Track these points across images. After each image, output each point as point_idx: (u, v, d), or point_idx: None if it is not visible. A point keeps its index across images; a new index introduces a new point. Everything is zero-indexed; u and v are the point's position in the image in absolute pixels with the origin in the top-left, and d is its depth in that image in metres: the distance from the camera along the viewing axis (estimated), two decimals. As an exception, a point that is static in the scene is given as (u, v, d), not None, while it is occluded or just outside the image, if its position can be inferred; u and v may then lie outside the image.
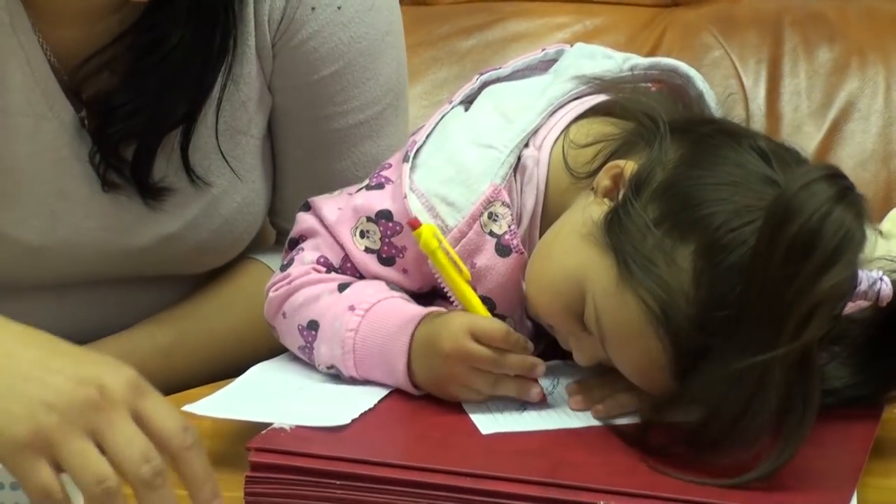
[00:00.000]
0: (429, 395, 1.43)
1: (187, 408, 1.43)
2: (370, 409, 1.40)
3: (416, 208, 1.45)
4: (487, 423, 1.38)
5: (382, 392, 1.44)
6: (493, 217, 1.45)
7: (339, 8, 1.60)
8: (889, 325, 1.41)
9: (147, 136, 1.59)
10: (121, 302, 1.67)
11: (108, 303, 1.66)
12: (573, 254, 1.40)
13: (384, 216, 1.48)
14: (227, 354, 1.64)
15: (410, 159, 1.48)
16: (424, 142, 1.50)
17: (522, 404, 1.42)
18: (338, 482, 1.30)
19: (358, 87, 1.67)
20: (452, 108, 1.52)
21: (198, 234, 1.60)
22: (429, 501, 1.28)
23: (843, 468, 1.32)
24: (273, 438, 1.33)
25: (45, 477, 1.13)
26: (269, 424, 1.36)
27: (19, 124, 1.57)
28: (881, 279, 1.36)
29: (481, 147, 1.47)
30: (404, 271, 1.49)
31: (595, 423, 1.39)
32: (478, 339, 1.41)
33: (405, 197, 1.46)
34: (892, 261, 1.41)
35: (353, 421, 1.37)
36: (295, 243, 1.53)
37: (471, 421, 1.39)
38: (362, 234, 1.49)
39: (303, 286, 1.50)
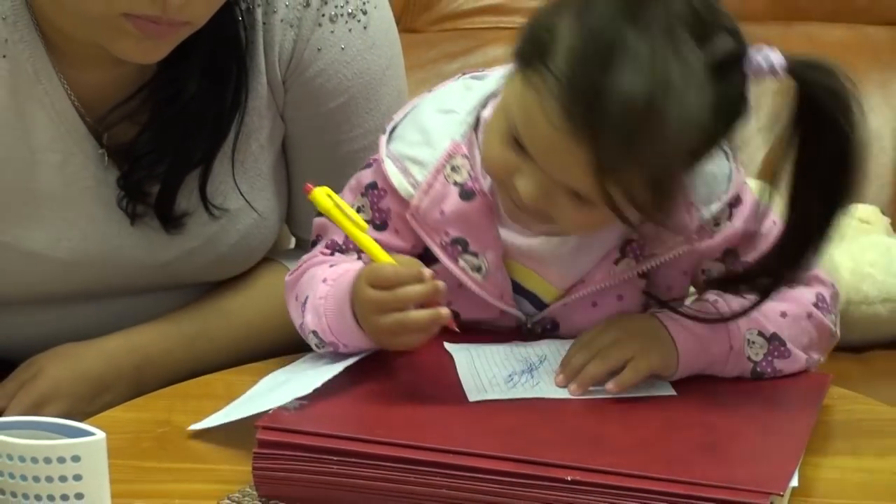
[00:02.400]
0: (422, 372, 1.42)
1: (194, 426, 1.42)
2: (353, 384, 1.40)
3: (392, 171, 1.46)
4: (475, 391, 1.38)
5: (344, 364, 1.42)
6: (455, 169, 1.45)
7: (342, 49, 1.59)
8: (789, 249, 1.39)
9: (168, 178, 1.58)
10: (146, 308, 1.66)
11: (133, 309, 1.65)
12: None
13: (371, 187, 1.49)
14: (248, 344, 1.63)
15: (387, 133, 1.49)
16: (401, 120, 1.50)
17: (510, 375, 1.41)
18: (334, 458, 1.29)
19: (362, 116, 1.67)
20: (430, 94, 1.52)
21: (216, 248, 1.59)
22: (416, 476, 1.28)
23: (787, 447, 1.32)
24: (278, 418, 1.33)
25: None
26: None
27: (47, 159, 1.56)
28: (770, 51, 1.36)
29: (444, 113, 1.47)
30: (396, 232, 1.48)
31: (570, 396, 1.39)
32: (374, 285, 1.39)
33: (382, 162, 1.47)
34: None
35: (353, 399, 1.37)
36: (314, 244, 1.53)
37: (462, 389, 1.38)
38: (359, 210, 1.48)
39: (308, 268, 1.50)
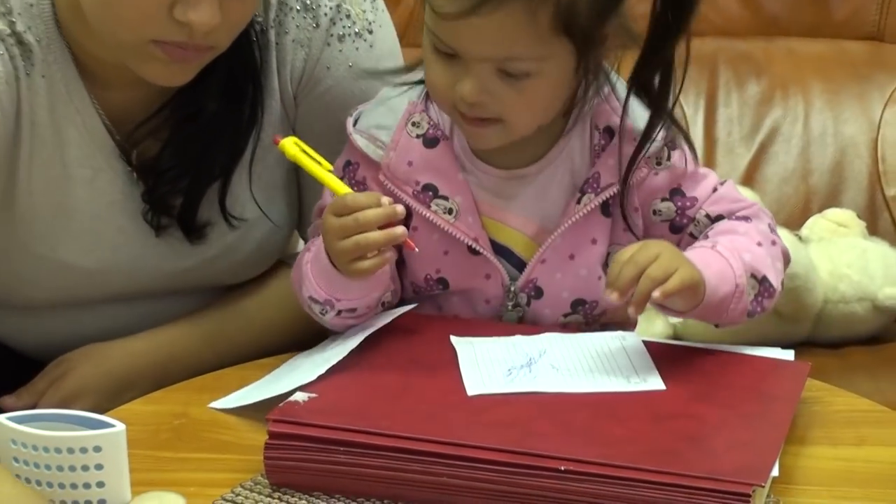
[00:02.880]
0: (425, 368, 1.42)
1: (213, 405, 1.45)
2: (356, 371, 1.41)
3: (361, 142, 1.50)
4: (475, 385, 1.38)
5: (349, 347, 1.45)
6: (415, 124, 1.49)
7: (350, 66, 1.60)
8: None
9: (190, 192, 1.59)
10: (168, 310, 1.66)
11: (156, 311, 1.65)
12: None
13: (346, 165, 1.52)
14: (264, 342, 1.63)
15: (354, 115, 1.52)
16: (364, 106, 1.53)
17: (509, 370, 1.41)
18: (341, 449, 1.30)
19: None
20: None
21: (234, 256, 1.60)
22: (418, 465, 1.29)
23: (768, 438, 1.32)
24: (288, 410, 1.33)
25: None
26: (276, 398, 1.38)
27: (79, 174, 1.56)
28: None
29: (402, 87, 1.51)
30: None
31: (565, 390, 1.38)
32: (337, 213, 1.42)
33: (350, 136, 1.50)
34: None
35: (359, 393, 1.38)
36: None
37: (461, 383, 1.39)
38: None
39: (307, 251, 1.52)
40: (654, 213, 1.51)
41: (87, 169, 1.57)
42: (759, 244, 1.48)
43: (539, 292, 1.51)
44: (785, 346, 1.57)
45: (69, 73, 1.53)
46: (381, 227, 1.40)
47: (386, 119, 1.50)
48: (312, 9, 1.57)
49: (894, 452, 1.38)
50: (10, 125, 1.50)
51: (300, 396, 1.36)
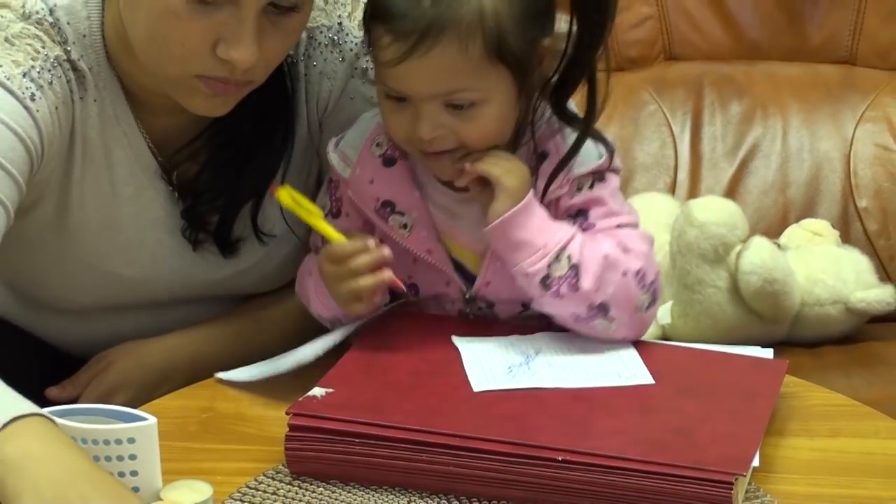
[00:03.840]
0: (433, 365, 1.42)
1: (220, 375, 1.48)
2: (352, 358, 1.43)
3: (334, 160, 1.50)
4: (479, 382, 1.38)
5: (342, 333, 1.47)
6: (378, 145, 1.48)
7: (371, 97, 1.58)
8: None
9: (226, 210, 1.59)
10: (200, 313, 1.66)
11: (190, 314, 1.65)
12: (375, 79, 1.45)
13: (329, 181, 1.53)
14: (285, 344, 1.62)
15: (334, 141, 1.52)
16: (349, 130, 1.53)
17: (509, 367, 1.41)
18: (356, 440, 1.30)
19: None
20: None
21: (263, 269, 1.60)
22: (427, 456, 1.29)
23: (749, 431, 1.32)
24: (307, 405, 1.34)
25: None
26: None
27: (125, 191, 1.56)
28: None
29: (374, 108, 1.50)
30: (347, 215, 1.50)
31: (562, 385, 1.38)
32: (330, 261, 1.43)
33: (328, 154, 1.51)
34: None
35: (372, 389, 1.38)
36: None
37: (467, 380, 1.38)
38: (324, 207, 1.51)
39: (308, 274, 1.52)
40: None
41: (133, 187, 1.57)
42: (606, 257, 1.42)
43: (490, 303, 1.50)
44: (765, 346, 1.57)
45: (118, 99, 1.53)
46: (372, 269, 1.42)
47: (356, 140, 1.50)
48: (339, 45, 1.57)
49: (866, 443, 1.38)
50: (66, 141, 1.50)
51: (318, 392, 1.35)
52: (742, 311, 1.91)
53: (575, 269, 1.42)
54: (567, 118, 1.45)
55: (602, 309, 1.43)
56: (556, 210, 1.46)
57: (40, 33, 1.47)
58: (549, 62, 1.42)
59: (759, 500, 1.28)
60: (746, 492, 1.28)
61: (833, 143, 2.24)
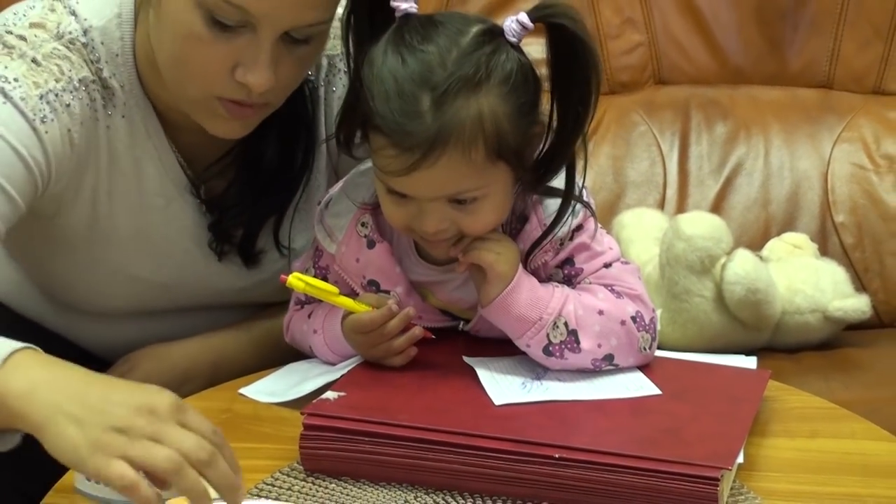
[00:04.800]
0: (437, 370, 1.42)
1: (243, 390, 1.47)
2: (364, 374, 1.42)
3: (321, 234, 1.48)
4: (499, 396, 1.36)
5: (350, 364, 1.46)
6: (363, 224, 1.45)
7: None
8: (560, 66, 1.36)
9: (250, 225, 1.59)
10: (222, 319, 1.66)
11: (212, 320, 1.65)
12: (374, 174, 1.39)
13: (316, 249, 1.50)
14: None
15: (323, 204, 1.49)
16: (335, 193, 1.50)
17: (523, 382, 1.39)
18: (366, 439, 1.30)
19: None
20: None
21: None
22: (432, 453, 1.29)
23: (734, 430, 1.32)
24: (321, 406, 1.34)
25: (121, 467, 1.13)
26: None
27: (154, 202, 1.56)
28: (516, 16, 1.35)
29: (361, 177, 1.47)
30: (335, 283, 1.46)
31: (577, 397, 1.37)
32: (360, 331, 1.42)
33: (314, 229, 1.49)
34: None
35: (381, 392, 1.38)
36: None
37: (486, 394, 1.37)
38: (306, 271, 1.50)
39: (293, 325, 1.53)
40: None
41: (162, 198, 1.57)
42: (601, 312, 1.40)
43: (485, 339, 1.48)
44: (748, 352, 1.58)
45: (149, 116, 1.53)
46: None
47: (344, 215, 1.46)
48: (347, 67, 1.58)
49: (843, 444, 1.38)
50: (82, 158, 1.50)
51: (331, 395, 1.36)
52: (727, 318, 1.91)
53: (574, 333, 1.39)
54: (547, 191, 1.42)
55: (607, 359, 1.41)
56: (543, 267, 1.43)
57: (71, 54, 1.47)
58: (536, 140, 1.38)
59: (743, 497, 1.28)
60: (731, 488, 1.28)
61: (812, 162, 2.24)
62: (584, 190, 1.42)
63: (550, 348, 1.40)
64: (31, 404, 1.17)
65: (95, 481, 1.22)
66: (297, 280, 1.41)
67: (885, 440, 1.38)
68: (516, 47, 1.35)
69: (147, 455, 1.14)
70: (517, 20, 1.34)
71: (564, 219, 1.40)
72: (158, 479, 1.15)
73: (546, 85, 1.38)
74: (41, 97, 1.43)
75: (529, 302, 1.39)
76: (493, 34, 1.34)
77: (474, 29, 1.33)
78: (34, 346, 1.23)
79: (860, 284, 2.13)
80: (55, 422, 1.15)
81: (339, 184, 1.50)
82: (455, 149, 1.31)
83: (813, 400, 1.48)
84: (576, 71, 1.35)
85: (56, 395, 1.17)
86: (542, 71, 1.37)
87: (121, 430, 1.14)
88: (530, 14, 1.34)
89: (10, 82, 1.41)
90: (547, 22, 1.34)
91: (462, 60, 1.31)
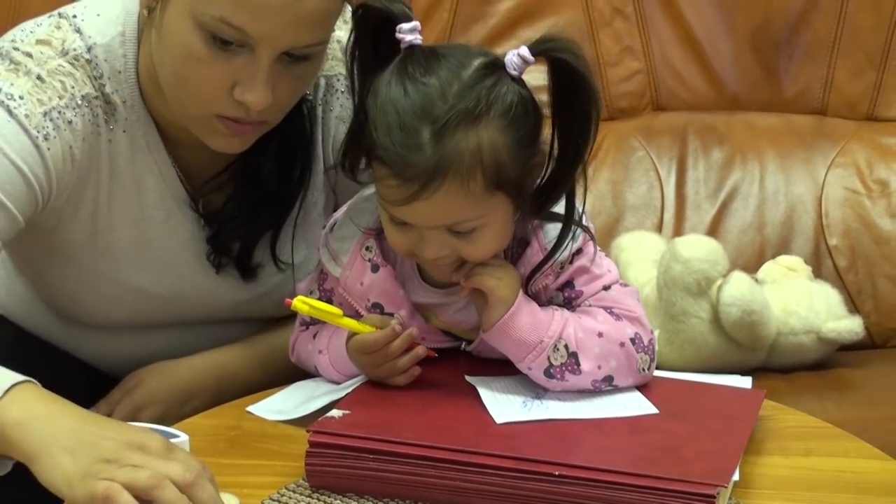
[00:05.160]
0: (444, 392, 1.41)
1: (251, 408, 1.47)
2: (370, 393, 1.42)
3: (326, 258, 1.47)
4: (501, 415, 1.36)
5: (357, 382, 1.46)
6: (368, 248, 1.45)
7: None
8: (561, 94, 1.36)
9: (247, 239, 1.60)
10: (224, 334, 1.66)
11: (214, 335, 1.65)
12: (377, 201, 1.39)
13: (321, 272, 1.50)
14: None
15: (328, 227, 1.49)
16: (340, 216, 1.49)
17: (524, 401, 1.39)
18: (370, 456, 1.30)
19: None
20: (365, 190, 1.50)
21: (280, 293, 1.59)
22: (435, 470, 1.29)
23: (730, 449, 1.32)
24: (326, 424, 1.34)
25: (105, 483, 1.15)
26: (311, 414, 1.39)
27: (154, 215, 1.57)
28: (517, 49, 1.34)
29: (366, 202, 1.47)
30: (340, 305, 1.46)
31: (576, 416, 1.37)
32: (364, 351, 1.42)
33: (319, 252, 1.48)
34: None
35: (385, 410, 1.38)
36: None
37: (487, 413, 1.37)
38: (311, 293, 1.50)
39: (299, 345, 1.53)
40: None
41: (162, 211, 1.57)
42: (601, 335, 1.39)
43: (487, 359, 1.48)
44: (743, 372, 1.57)
45: (150, 131, 1.54)
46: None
47: (349, 239, 1.46)
48: (352, 94, 1.59)
49: (837, 462, 1.38)
50: (86, 171, 1.51)
51: (336, 413, 1.36)
52: (723, 339, 1.91)
53: (574, 355, 1.39)
54: (548, 216, 1.42)
55: (606, 380, 1.41)
56: (544, 290, 1.43)
57: (75, 70, 1.48)
58: (537, 170, 1.38)
59: (738, 513, 1.29)
60: (727, 505, 1.28)
61: (806, 187, 2.24)
62: (583, 214, 1.42)
63: (551, 370, 1.40)
64: (27, 435, 1.19)
65: None
66: (302, 304, 1.41)
67: (878, 458, 1.38)
68: (518, 80, 1.35)
69: (131, 476, 1.16)
70: (518, 54, 1.34)
71: (565, 244, 1.40)
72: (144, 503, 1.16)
73: (548, 112, 1.38)
74: (45, 114, 1.44)
75: (530, 326, 1.39)
76: (495, 67, 1.34)
77: (476, 62, 1.33)
78: (34, 381, 1.25)
79: (853, 306, 2.13)
80: (50, 453, 1.18)
81: (344, 208, 1.50)
82: (454, 180, 1.31)
83: (807, 419, 1.48)
84: (576, 105, 1.35)
85: (51, 428, 1.19)
86: (545, 97, 1.37)
87: (110, 460, 1.17)
88: (532, 48, 1.34)
89: (14, 100, 1.42)
90: (548, 56, 1.34)
91: (463, 94, 1.31)
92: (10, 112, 1.42)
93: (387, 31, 1.36)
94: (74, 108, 1.47)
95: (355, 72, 1.40)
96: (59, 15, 1.51)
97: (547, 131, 1.38)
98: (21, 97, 1.43)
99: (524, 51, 1.34)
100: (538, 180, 1.39)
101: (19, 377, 1.24)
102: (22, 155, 1.42)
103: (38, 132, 1.43)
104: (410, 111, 1.31)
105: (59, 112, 1.45)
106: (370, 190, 1.44)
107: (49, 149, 1.44)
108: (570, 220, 1.40)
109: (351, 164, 1.42)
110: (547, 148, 1.37)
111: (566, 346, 1.39)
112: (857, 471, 1.36)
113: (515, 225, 1.41)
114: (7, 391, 1.21)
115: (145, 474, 1.16)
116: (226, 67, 1.40)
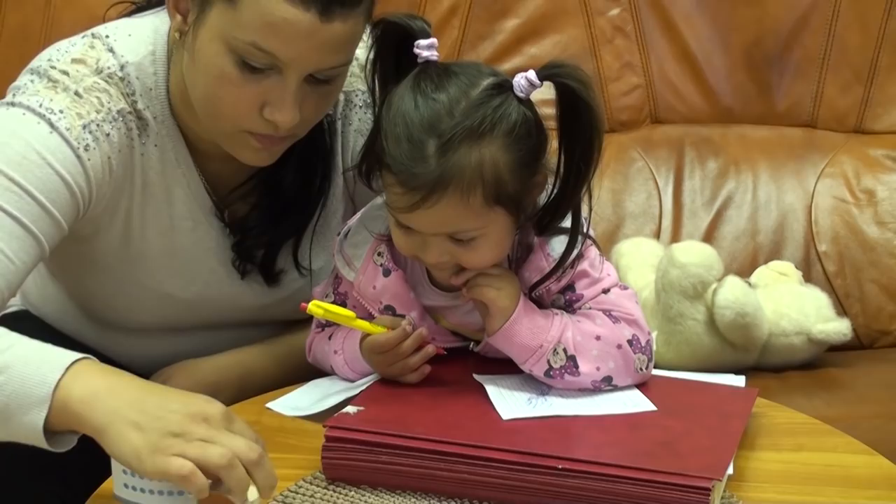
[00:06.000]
0: (453, 390, 1.41)
1: (270, 405, 1.47)
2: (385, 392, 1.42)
3: (340, 263, 1.48)
4: (507, 412, 1.36)
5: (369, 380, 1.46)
6: (380, 254, 1.45)
7: None
8: (566, 116, 1.35)
9: (270, 246, 1.60)
10: (247, 336, 1.66)
11: (238, 337, 1.65)
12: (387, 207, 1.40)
13: (336, 276, 1.50)
14: None
15: (342, 234, 1.49)
16: (354, 223, 1.50)
17: (529, 399, 1.39)
18: (383, 450, 1.30)
19: None
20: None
21: (302, 296, 1.58)
22: (445, 464, 1.29)
23: (725, 444, 1.32)
24: (342, 420, 1.34)
25: (178, 461, 1.16)
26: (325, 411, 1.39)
27: (183, 224, 1.57)
28: (525, 73, 1.34)
29: (378, 210, 1.47)
30: (354, 308, 1.46)
31: (579, 412, 1.36)
32: (377, 351, 1.42)
33: (333, 257, 1.49)
34: None
35: (398, 407, 1.38)
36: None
37: (494, 410, 1.37)
38: (326, 296, 1.50)
39: (315, 346, 1.53)
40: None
41: (190, 221, 1.58)
42: (598, 337, 1.39)
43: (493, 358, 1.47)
44: (737, 372, 1.57)
45: (178, 145, 1.54)
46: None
47: (360, 248, 1.46)
48: (371, 105, 1.59)
49: (826, 457, 1.37)
50: (122, 182, 1.51)
51: (351, 410, 1.36)
52: (717, 340, 1.91)
53: (572, 358, 1.39)
54: (553, 232, 1.42)
55: (605, 380, 1.41)
56: (546, 293, 1.43)
57: (109, 87, 1.48)
58: (539, 186, 1.38)
59: (732, 505, 1.28)
60: (722, 498, 1.28)
61: (797, 196, 2.24)
62: (587, 220, 1.42)
63: (551, 372, 1.40)
64: (93, 409, 1.19)
65: (140, 489, 1.22)
66: (317, 307, 1.41)
67: (865, 453, 1.38)
68: (524, 101, 1.35)
69: (203, 453, 1.16)
70: (526, 77, 1.34)
71: (570, 259, 1.40)
72: (211, 477, 1.17)
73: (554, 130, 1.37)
74: (84, 127, 1.44)
75: (530, 331, 1.39)
76: (503, 88, 1.34)
77: (485, 82, 1.34)
78: (92, 357, 1.26)
79: (841, 309, 2.12)
80: (116, 427, 1.18)
81: (357, 215, 1.51)
82: (454, 193, 1.31)
83: (797, 416, 1.48)
84: (579, 130, 1.35)
85: (116, 402, 1.20)
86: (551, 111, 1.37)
87: (177, 434, 1.17)
88: (539, 72, 1.34)
89: (55, 113, 1.43)
90: (555, 81, 1.34)
91: (469, 111, 1.31)
92: (52, 125, 1.42)
93: (406, 46, 1.36)
94: (111, 122, 1.47)
95: (376, 84, 1.40)
96: (93, 35, 1.52)
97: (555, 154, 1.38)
98: (61, 111, 1.43)
99: (532, 75, 1.34)
100: (543, 198, 1.39)
101: (77, 354, 1.24)
102: (65, 165, 1.42)
103: (79, 143, 1.43)
104: (419, 124, 1.31)
105: (98, 125, 1.46)
106: (383, 198, 1.45)
107: (89, 159, 1.44)
108: (574, 236, 1.40)
109: (366, 171, 1.42)
110: (551, 168, 1.37)
111: (565, 350, 1.39)
112: (845, 465, 1.36)
113: (520, 232, 1.41)
114: (68, 368, 1.22)
115: (217, 452, 1.17)
116: (256, 88, 1.41)
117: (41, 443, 1.23)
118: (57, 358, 1.24)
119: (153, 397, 1.21)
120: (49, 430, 1.22)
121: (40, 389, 1.21)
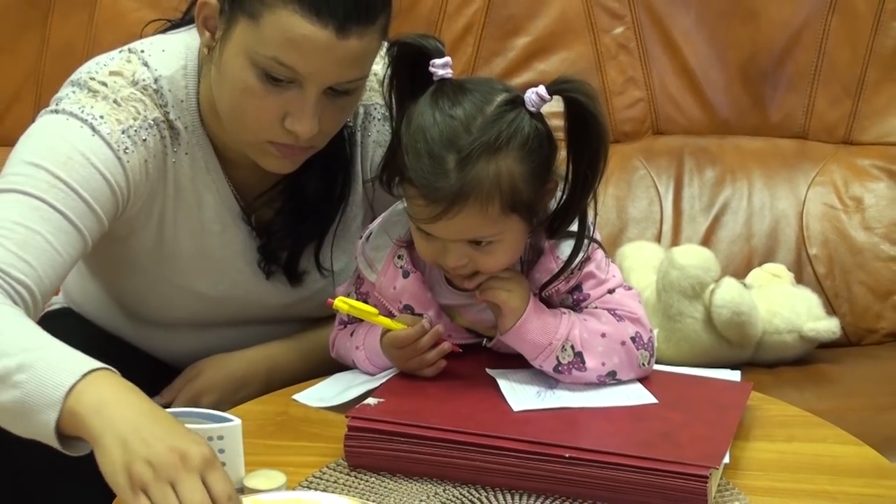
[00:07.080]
0: (467, 383, 1.41)
1: (296, 396, 1.46)
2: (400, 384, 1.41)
3: (363, 265, 1.47)
4: (518, 403, 1.36)
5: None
6: (399, 257, 1.45)
7: None
8: (575, 129, 1.35)
9: (293, 248, 1.60)
10: (272, 332, 1.66)
11: (263, 333, 1.65)
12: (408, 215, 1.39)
13: (358, 277, 1.50)
14: None
15: (364, 237, 1.49)
16: (375, 227, 1.49)
17: (538, 392, 1.39)
18: (402, 439, 1.30)
19: None
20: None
21: (323, 296, 1.59)
22: (459, 452, 1.29)
23: (721, 435, 1.31)
24: (363, 410, 1.34)
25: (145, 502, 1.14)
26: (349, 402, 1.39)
27: (212, 228, 1.57)
28: (536, 88, 1.34)
29: (399, 216, 1.47)
30: (375, 307, 1.45)
31: (585, 405, 1.36)
32: (397, 346, 1.41)
33: (356, 259, 1.48)
34: None
35: (415, 398, 1.37)
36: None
37: (505, 402, 1.36)
38: (349, 295, 1.50)
39: (338, 342, 1.52)
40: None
41: (218, 224, 1.58)
42: (604, 335, 1.39)
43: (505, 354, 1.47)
44: (733, 367, 1.57)
45: (208, 154, 1.54)
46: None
47: (381, 251, 1.46)
48: (389, 119, 1.59)
49: (816, 447, 1.37)
50: (157, 186, 1.52)
51: (371, 401, 1.36)
52: (714, 337, 1.91)
53: (580, 355, 1.39)
54: (563, 235, 1.41)
55: (610, 375, 1.41)
56: (556, 293, 1.43)
57: (144, 98, 1.49)
58: (551, 192, 1.38)
59: (728, 492, 1.28)
60: (719, 485, 1.28)
61: (789, 203, 2.23)
62: (593, 225, 1.42)
63: (560, 368, 1.40)
64: (94, 418, 1.18)
65: None
66: (342, 303, 1.42)
67: (852, 444, 1.38)
68: (535, 115, 1.34)
69: (163, 501, 1.14)
70: (537, 92, 1.34)
71: (577, 261, 1.40)
72: None
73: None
74: (123, 132, 1.45)
75: (540, 330, 1.39)
76: (515, 103, 1.34)
77: (499, 98, 1.33)
78: (112, 369, 1.24)
79: (831, 308, 2.12)
80: (107, 438, 1.17)
81: (378, 220, 1.50)
82: (474, 203, 1.31)
83: (790, 409, 1.47)
84: (586, 142, 1.35)
85: (115, 415, 1.18)
86: (560, 122, 1.36)
87: (150, 464, 1.14)
88: (549, 87, 1.34)
89: (96, 119, 1.44)
90: (563, 95, 1.34)
91: (485, 127, 1.31)
92: (93, 129, 1.43)
93: (421, 64, 1.36)
94: (147, 129, 1.48)
95: (393, 100, 1.40)
96: (129, 50, 1.52)
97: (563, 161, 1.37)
98: (101, 116, 1.44)
99: (542, 90, 1.34)
100: (552, 205, 1.39)
101: (97, 364, 1.23)
102: (107, 165, 1.43)
103: (119, 146, 1.44)
104: (438, 140, 1.31)
105: (135, 131, 1.46)
106: (403, 204, 1.44)
107: (128, 161, 1.45)
108: (581, 239, 1.40)
109: (388, 181, 1.42)
110: (561, 175, 1.37)
111: (572, 347, 1.39)
112: (834, 455, 1.35)
113: (532, 236, 1.41)
114: (84, 375, 1.21)
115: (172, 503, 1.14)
116: (277, 100, 1.41)
117: (54, 443, 1.21)
118: (76, 364, 1.22)
119: (148, 421, 1.18)
120: (64, 434, 1.21)
121: (55, 392, 1.20)
